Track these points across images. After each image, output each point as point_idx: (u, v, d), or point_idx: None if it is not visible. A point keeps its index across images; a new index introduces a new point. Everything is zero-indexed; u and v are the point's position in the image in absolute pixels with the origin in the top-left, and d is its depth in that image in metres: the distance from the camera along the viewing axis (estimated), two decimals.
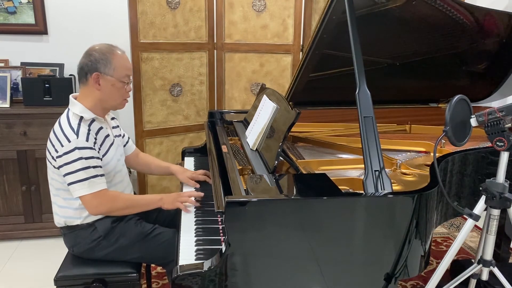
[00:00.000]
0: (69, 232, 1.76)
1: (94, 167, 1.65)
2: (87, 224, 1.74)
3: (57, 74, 3.04)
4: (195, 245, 1.47)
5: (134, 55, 2.86)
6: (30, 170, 2.82)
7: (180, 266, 1.30)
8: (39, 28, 3.05)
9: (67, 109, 1.73)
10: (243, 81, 3.27)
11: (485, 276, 1.63)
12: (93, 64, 1.67)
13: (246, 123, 2.20)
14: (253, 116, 2.01)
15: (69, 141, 1.61)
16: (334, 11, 1.78)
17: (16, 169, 2.80)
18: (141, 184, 3.14)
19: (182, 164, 2.32)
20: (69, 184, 1.64)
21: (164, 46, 2.98)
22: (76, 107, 1.70)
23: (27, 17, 3.02)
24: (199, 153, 2.41)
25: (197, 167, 2.25)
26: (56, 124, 1.70)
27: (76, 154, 1.61)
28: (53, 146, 1.65)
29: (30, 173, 2.82)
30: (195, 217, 1.69)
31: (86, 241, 1.73)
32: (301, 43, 3.24)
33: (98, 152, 1.69)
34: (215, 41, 3.17)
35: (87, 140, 1.64)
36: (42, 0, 3.01)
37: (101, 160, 1.70)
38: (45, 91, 2.80)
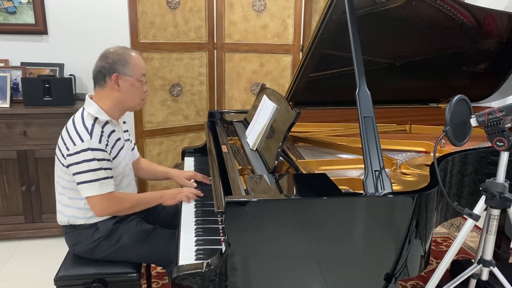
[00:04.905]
0: (71, 231, 1.77)
1: (105, 169, 1.65)
2: (89, 224, 1.74)
3: (57, 74, 3.04)
4: (195, 245, 1.47)
5: None
6: (30, 170, 2.82)
7: (180, 266, 1.30)
8: (39, 28, 3.05)
9: (82, 108, 1.73)
10: (243, 81, 3.27)
11: (485, 276, 1.63)
12: (111, 66, 1.68)
13: (246, 123, 2.19)
14: (253, 116, 2.01)
15: (82, 141, 1.61)
16: (334, 11, 1.78)
17: (16, 169, 2.80)
18: (141, 184, 3.14)
19: (182, 164, 2.33)
20: (79, 183, 1.64)
21: (164, 46, 2.98)
22: (92, 108, 1.70)
23: (27, 17, 3.02)
24: (199, 153, 2.41)
25: (197, 167, 2.25)
26: (70, 122, 1.70)
27: (89, 154, 1.61)
28: (65, 144, 1.65)
29: (30, 173, 2.82)
30: (195, 217, 1.69)
31: (88, 240, 1.74)
32: (301, 43, 3.24)
33: (109, 154, 1.69)
34: (215, 41, 3.17)
35: (99, 142, 1.64)
36: (42, 0, 3.01)
37: (112, 163, 1.70)
38: (45, 91, 2.80)
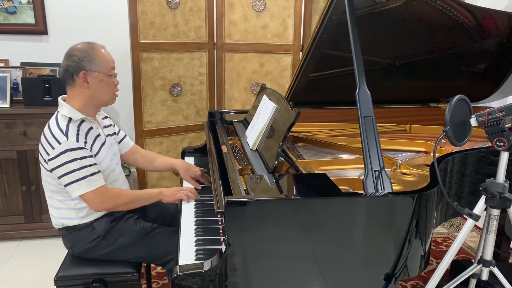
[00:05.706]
0: (68, 233, 1.76)
1: (89, 165, 1.65)
2: (84, 225, 1.74)
3: (57, 74, 3.04)
4: (195, 245, 1.47)
5: (134, 55, 2.86)
6: (30, 170, 2.82)
7: (180, 266, 1.30)
8: (39, 28, 3.05)
9: (56, 112, 1.72)
10: (243, 81, 3.27)
11: (485, 276, 1.63)
12: (78, 63, 1.65)
13: (246, 123, 2.19)
14: (253, 116, 2.01)
15: (60, 143, 1.61)
16: (334, 11, 1.78)
17: (16, 169, 2.80)
18: (141, 184, 3.14)
19: None
20: (66, 185, 1.64)
21: (164, 46, 2.98)
22: (64, 109, 1.69)
23: (27, 17, 3.02)
24: (199, 153, 2.41)
25: None
26: (46, 127, 1.69)
27: (69, 156, 1.61)
28: (44, 149, 1.65)
29: (30, 173, 2.82)
30: (195, 217, 1.69)
31: (85, 241, 1.73)
32: (301, 43, 3.24)
33: (91, 151, 1.68)
34: (215, 41, 3.17)
35: (77, 141, 1.63)
36: (42, 0, 3.01)
37: (94, 159, 1.70)
38: (45, 91, 2.80)
